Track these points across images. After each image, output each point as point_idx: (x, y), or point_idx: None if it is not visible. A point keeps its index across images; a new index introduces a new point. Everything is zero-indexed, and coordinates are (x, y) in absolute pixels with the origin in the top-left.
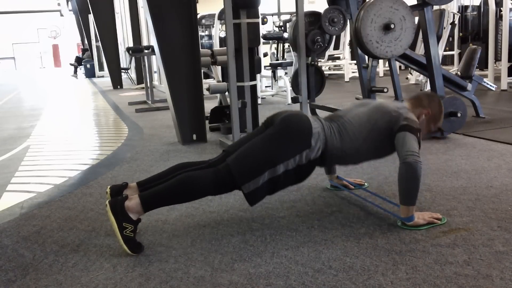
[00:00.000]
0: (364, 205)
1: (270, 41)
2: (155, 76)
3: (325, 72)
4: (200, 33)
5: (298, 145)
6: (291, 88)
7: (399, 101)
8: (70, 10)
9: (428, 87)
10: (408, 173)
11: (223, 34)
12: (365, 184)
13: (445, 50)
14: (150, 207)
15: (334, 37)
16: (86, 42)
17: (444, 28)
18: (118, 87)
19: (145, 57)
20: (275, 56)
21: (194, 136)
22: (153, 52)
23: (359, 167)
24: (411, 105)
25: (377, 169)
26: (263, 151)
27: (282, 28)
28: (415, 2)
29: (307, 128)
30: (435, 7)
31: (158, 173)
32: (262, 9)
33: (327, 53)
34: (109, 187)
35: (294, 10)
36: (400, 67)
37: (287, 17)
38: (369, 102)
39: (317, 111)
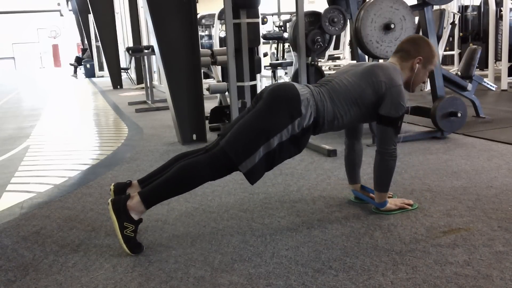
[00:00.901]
0: (364, 205)
1: (270, 41)
2: (155, 76)
3: (325, 72)
4: (200, 33)
5: (288, 114)
6: None
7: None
8: (70, 10)
9: (428, 87)
10: (382, 165)
11: (223, 34)
12: (394, 195)
13: (445, 50)
14: (152, 203)
15: (334, 37)
16: (86, 42)
17: (444, 28)
18: (118, 87)
19: (145, 57)
20: (275, 56)
21: (194, 136)
22: (153, 52)
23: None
24: (400, 59)
25: None
26: (254, 126)
27: (282, 28)
28: (415, 2)
29: (295, 96)
30: (435, 7)
31: (158, 167)
32: (262, 9)
33: (327, 53)
34: (113, 184)
35: (294, 10)
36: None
37: (287, 17)
38: (362, 63)
39: None
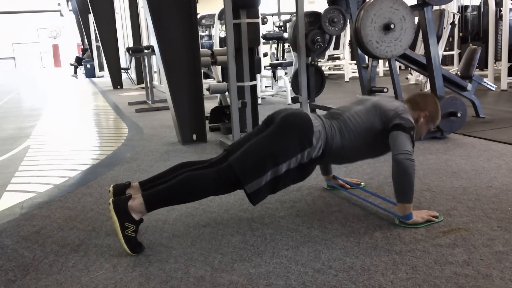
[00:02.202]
0: (364, 205)
1: (270, 41)
2: (155, 76)
3: (325, 72)
4: (200, 33)
5: (300, 143)
6: (291, 88)
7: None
8: (70, 10)
9: (428, 87)
10: (400, 171)
11: (223, 34)
12: (362, 183)
13: (445, 50)
14: (153, 207)
15: (334, 37)
16: (86, 42)
17: (444, 28)
18: (118, 87)
19: (145, 57)
20: (275, 56)
21: (194, 136)
22: (153, 52)
23: (359, 167)
24: (408, 108)
25: (377, 169)
26: (266, 150)
27: (282, 28)
28: (415, 2)
29: (308, 127)
30: (435, 7)
31: (160, 172)
32: (262, 9)
33: (327, 53)
34: (112, 185)
35: (294, 10)
36: (400, 67)
37: (287, 17)
38: (368, 99)
39: (317, 110)
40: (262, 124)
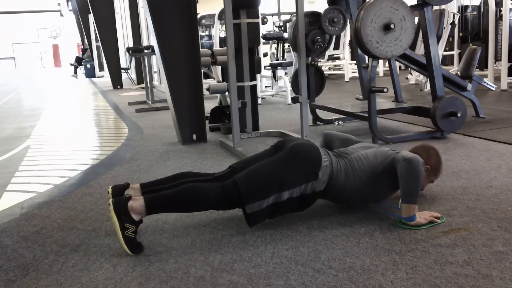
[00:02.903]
0: (364, 205)
1: (270, 41)
2: (155, 76)
3: (325, 72)
4: (200, 33)
5: (306, 174)
6: (291, 88)
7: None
8: (70, 10)
9: (428, 87)
10: (409, 170)
11: (223, 34)
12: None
13: (445, 50)
14: (153, 211)
15: (334, 37)
16: (86, 42)
17: (444, 28)
18: (118, 87)
19: (145, 57)
20: (275, 56)
21: (194, 136)
22: (153, 52)
23: None
24: None
25: None
26: (273, 174)
27: (282, 28)
28: (415, 2)
29: (317, 160)
30: (435, 7)
31: (161, 178)
32: (262, 9)
33: (327, 53)
34: (110, 186)
35: (294, 10)
36: (400, 67)
37: (287, 17)
38: (371, 146)
39: (318, 111)
40: (271, 148)
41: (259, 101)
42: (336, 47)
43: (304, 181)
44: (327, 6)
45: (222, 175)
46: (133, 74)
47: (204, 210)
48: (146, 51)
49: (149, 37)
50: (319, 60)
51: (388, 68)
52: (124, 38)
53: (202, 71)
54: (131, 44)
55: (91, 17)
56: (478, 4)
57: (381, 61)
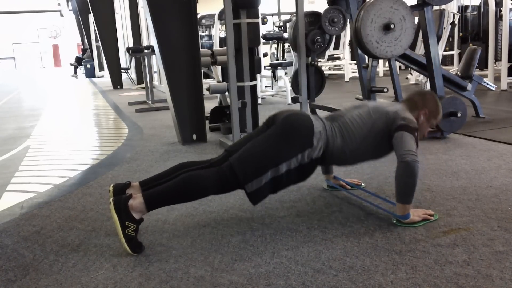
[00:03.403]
0: (364, 205)
1: (270, 41)
2: (155, 76)
3: (325, 72)
4: (200, 33)
5: (300, 144)
6: (291, 88)
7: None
8: (70, 10)
9: (428, 87)
10: (406, 172)
11: (223, 34)
12: (362, 184)
13: (445, 50)
14: (154, 206)
15: (334, 37)
16: (86, 42)
17: (444, 28)
18: (118, 87)
19: (145, 57)
20: (275, 56)
21: (194, 136)
22: (153, 52)
23: (359, 167)
24: (407, 109)
25: (377, 169)
26: (266, 150)
27: (282, 28)
28: (415, 2)
29: (309, 127)
30: (435, 7)
31: (160, 172)
32: (262, 9)
33: (327, 53)
34: (112, 185)
35: (294, 10)
36: (400, 67)
37: (287, 17)
38: (367, 103)
39: (317, 111)
40: (262, 125)
41: (259, 101)
42: (336, 47)
43: (299, 150)
44: (327, 6)
45: (218, 160)
46: (133, 74)
47: (204, 196)
48: (146, 51)
49: (149, 37)
50: (319, 60)
51: (388, 68)
52: (124, 38)
53: (202, 71)
54: (131, 44)
55: (91, 17)
56: (478, 4)
57: (381, 61)
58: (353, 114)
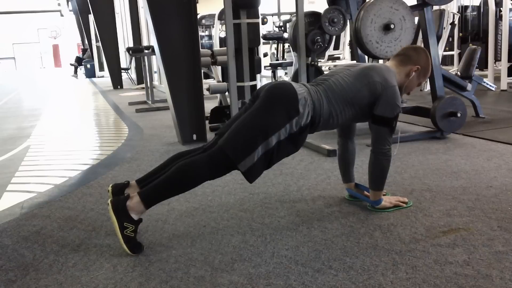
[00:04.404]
0: (364, 205)
1: (270, 41)
2: (155, 76)
3: (325, 72)
4: (200, 33)
5: (286, 113)
6: None
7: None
8: (70, 10)
9: (428, 87)
10: (375, 165)
11: (223, 34)
12: (386, 192)
13: (445, 50)
14: (151, 203)
15: (334, 37)
16: (86, 42)
17: (444, 28)
18: (118, 87)
19: (145, 57)
20: (275, 56)
21: (194, 136)
22: (153, 52)
23: (359, 167)
24: (399, 63)
25: None
26: (253, 125)
27: (282, 28)
28: (415, 2)
29: (292, 95)
30: (435, 7)
31: (155, 167)
32: (262, 9)
33: (327, 53)
34: (110, 185)
35: (294, 10)
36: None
37: (287, 17)
38: (357, 64)
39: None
40: (249, 102)
41: None
42: (336, 47)
43: (286, 120)
44: (327, 6)
45: (210, 144)
46: (133, 74)
47: (200, 183)
48: (146, 51)
49: (149, 37)
50: (319, 60)
51: None
52: (124, 38)
53: (202, 71)
54: (131, 44)
55: (91, 17)
56: (478, 4)
57: (381, 61)
58: (338, 77)
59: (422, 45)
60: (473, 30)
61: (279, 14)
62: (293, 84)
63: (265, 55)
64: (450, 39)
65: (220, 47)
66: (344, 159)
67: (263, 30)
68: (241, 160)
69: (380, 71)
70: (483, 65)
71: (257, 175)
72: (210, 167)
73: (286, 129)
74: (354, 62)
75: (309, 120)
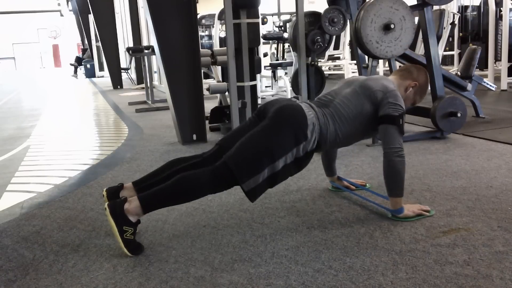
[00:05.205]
0: (364, 205)
1: (270, 41)
2: (155, 76)
3: (325, 72)
4: (200, 33)
5: (294, 137)
6: (291, 88)
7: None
8: (70, 10)
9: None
10: (390, 168)
11: (223, 34)
12: (367, 185)
13: (445, 50)
14: (150, 209)
15: (334, 37)
16: (86, 42)
17: (444, 28)
18: (118, 87)
19: (145, 57)
20: (275, 56)
21: (194, 136)
22: (153, 52)
23: (359, 167)
24: (400, 77)
25: (377, 169)
26: (261, 147)
27: (282, 28)
28: (415, 2)
29: (302, 120)
30: (435, 7)
31: (153, 171)
32: (262, 9)
33: (327, 53)
34: (105, 189)
35: (294, 10)
36: (400, 67)
37: (287, 17)
38: (355, 79)
39: None
40: (253, 116)
41: (259, 101)
42: (336, 47)
43: (294, 144)
44: (327, 6)
45: (211, 154)
46: (133, 74)
47: (201, 196)
48: (146, 51)
49: (149, 37)
50: (319, 60)
51: (388, 68)
52: (124, 38)
53: (202, 71)
54: (131, 44)
55: (91, 17)
56: (478, 4)
57: (381, 61)
58: (342, 97)
59: (422, 45)
60: (473, 30)
61: (279, 14)
62: (303, 106)
63: (265, 55)
64: (450, 39)
65: (220, 47)
66: (328, 155)
67: (263, 30)
68: (245, 180)
69: (378, 80)
70: (483, 65)
71: (259, 195)
72: (213, 182)
73: (292, 153)
74: (351, 77)
75: (315, 146)
